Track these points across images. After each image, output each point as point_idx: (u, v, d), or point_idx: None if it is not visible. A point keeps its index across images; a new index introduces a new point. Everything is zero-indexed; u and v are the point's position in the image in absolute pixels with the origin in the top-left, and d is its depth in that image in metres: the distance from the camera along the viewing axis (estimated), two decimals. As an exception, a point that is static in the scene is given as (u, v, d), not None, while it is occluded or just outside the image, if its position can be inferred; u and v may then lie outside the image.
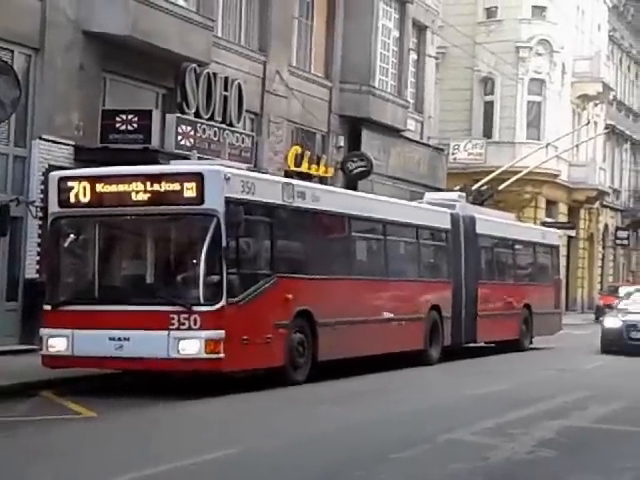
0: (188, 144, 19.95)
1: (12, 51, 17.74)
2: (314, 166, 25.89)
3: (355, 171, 27.27)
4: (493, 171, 34.00)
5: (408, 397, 15.25)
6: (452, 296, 21.00)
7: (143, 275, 14.93)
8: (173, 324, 13.22)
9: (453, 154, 38.64)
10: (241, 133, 22.73)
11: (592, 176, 47.34)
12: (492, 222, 24.07)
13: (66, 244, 14.71)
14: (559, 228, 44.87)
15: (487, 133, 41.43)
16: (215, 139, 21.26)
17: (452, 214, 21.72)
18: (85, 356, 13.71)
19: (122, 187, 13.93)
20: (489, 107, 42.10)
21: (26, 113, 17.89)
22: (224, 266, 13.35)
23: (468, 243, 21.90)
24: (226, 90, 21.93)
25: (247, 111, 23.34)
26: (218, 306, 13.30)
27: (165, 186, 13.72)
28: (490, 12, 41.97)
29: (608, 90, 48.78)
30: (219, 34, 23.04)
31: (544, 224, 42.93)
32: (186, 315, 13.20)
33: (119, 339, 13.40)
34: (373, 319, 17.65)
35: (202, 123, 21.03)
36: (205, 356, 13.21)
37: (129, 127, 19.16)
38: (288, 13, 26.19)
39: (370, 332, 17.46)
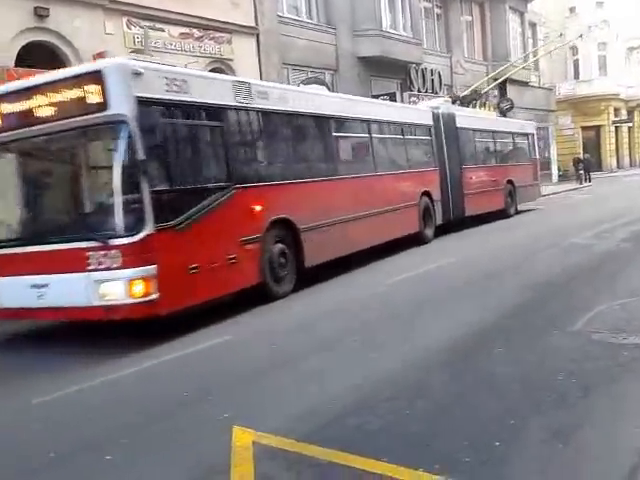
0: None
1: (324, 72, 18.09)
2: (483, 109, 24.77)
3: (505, 108, 25.56)
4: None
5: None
6: (439, 181, 13.23)
7: (56, 207, 7.11)
8: (90, 264, 5.95)
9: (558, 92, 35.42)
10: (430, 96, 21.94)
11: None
12: (471, 117, 15.83)
13: None
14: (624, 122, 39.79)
15: (576, 76, 37.44)
16: (418, 101, 20.53)
17: (434, 112, 13.57)
18: (11, 308, 6.60)
19: (24, 104, 6.39)
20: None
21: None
22: (145, 184, 5.89)
23: (449, 135, 13.75)
24: (432, 75, 21.50)
25: (445, 84, 22.47)
26: (142, 235, 5.90)
27: (65, 95, 6.10)
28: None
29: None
30: (424, 46, 22.17)
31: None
32: (103, 252, 5.89)
33: (40, 286, 6.24)
34: (368, 213, 10.01)
35: (420, 95, 20.43)
36: (132, 301, 5.90)
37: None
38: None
39: (366, 226, 9.91)
